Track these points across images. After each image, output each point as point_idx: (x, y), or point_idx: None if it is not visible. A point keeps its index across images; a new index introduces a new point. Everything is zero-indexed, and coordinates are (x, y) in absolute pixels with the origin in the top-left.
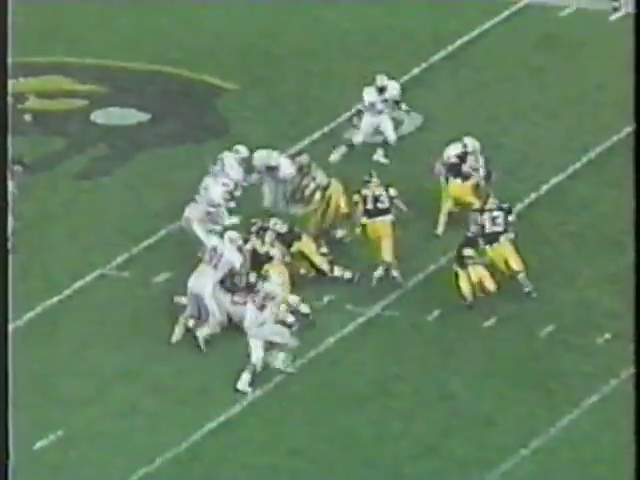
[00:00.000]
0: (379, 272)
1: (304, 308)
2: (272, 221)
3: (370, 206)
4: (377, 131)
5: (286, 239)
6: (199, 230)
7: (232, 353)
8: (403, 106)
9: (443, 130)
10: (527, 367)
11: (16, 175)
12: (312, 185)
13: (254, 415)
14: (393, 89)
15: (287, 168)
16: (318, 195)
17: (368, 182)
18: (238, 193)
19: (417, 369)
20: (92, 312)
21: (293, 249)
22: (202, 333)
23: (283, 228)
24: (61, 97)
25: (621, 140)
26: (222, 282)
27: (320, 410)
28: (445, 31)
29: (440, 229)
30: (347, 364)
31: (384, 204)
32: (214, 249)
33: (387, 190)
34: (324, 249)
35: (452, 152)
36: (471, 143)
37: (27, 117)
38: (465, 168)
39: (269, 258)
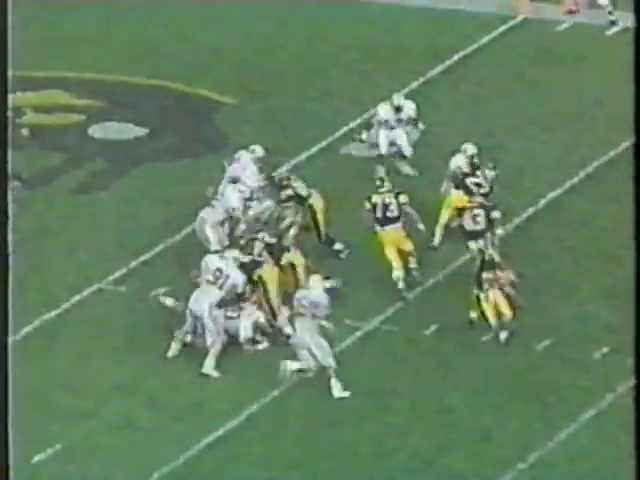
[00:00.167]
0: (397, 274)
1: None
2: (260, 234)
3: (379, 214)
4: (391, 144)
5: (275, 251)
6: (210, 233)
7: (229, 367)
8: (420, 125)
9: (441, 144)
10: (525, 381)
11: (14, 190)
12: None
13: (251, 429)
14: (409, 109)
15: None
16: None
17: (379, 188)
18: (254, 201)
19: (415, 383)
20: (90, 326)
21: (283, 262)
22: (209, 365)
23: (272, 240)
24: (58, 112)
25: (619, 155)
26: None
27: (317, 424)
28: (443, 46)
29: (437, 240)
30: (345, 378)
31: (393, 213)
32: (219, 270)
33: (397, 197)
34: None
35: (457, 163)
36: (471, 149)
37: (24, 132)
38: (469, 182)
39: (257, 263)
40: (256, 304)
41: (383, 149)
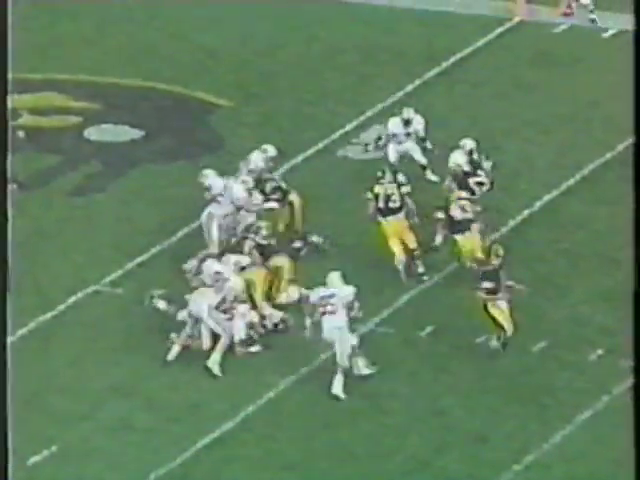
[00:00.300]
0: (399, 258)
1: (275, 317)
2: (251, 235)
3: (382, 205)
4: (403, 156)
5: (265, 252)
6: (214, 230)
7: (225, 368)
8: (428, 144)
9: (437, 146)
10: (520, 383)
11: (10, 193)
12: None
13: (247, 431)
14: (418, 124)
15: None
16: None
17: (381, 179)
18: (258, 190)
19: (410, 385)
20: (85, 328)
21: (271, 263)
22: (215, 359)
23: (263, 240)
24: (54, 114)
25: (615, 157)
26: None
27: (313, 426)
28: (439, 48)
29: (438, 240)
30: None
31: (395, 203)
32: (218, 273)
33: (399, 188)
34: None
35: (457, 160)
36: (469, 144)
37: (20, 134)
38: (472, 183)
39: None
40: (250, 305)
41: (392, 161)
